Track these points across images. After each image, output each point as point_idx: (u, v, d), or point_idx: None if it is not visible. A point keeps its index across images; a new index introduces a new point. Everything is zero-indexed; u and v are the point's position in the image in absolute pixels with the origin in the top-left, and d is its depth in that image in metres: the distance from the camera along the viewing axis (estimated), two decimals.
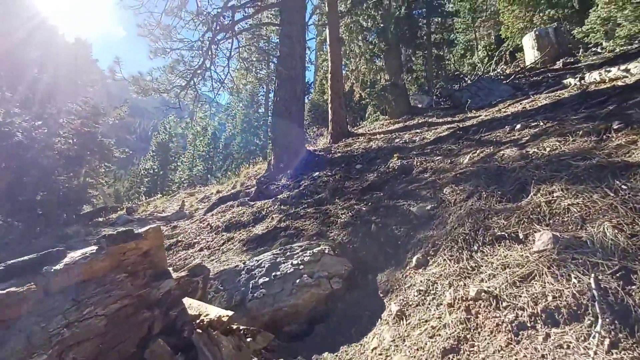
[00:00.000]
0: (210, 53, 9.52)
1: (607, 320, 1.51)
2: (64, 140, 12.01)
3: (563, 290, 1.72)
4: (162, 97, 10.53)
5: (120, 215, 10.17)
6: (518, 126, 4.88)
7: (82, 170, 13.10)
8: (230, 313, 2.49)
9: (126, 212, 11.36)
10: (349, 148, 8.39)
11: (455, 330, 1.96)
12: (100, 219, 11.38)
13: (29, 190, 8.71)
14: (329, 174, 6.63)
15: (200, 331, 2.23)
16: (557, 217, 2.28)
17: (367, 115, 15.84)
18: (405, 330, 2.30)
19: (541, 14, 14.32)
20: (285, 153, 8.19)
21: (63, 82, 11.50)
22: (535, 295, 1.79)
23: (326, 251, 3.77)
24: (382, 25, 11.88)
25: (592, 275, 1.71)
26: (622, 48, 9.13)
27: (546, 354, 1.53)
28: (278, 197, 6.32)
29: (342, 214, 4.73)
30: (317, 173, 6.85)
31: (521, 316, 1.75)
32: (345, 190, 5.57)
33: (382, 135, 8.58)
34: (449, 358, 1.86)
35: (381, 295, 3.06)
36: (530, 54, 13.01)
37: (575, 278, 1.75)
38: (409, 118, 10.53)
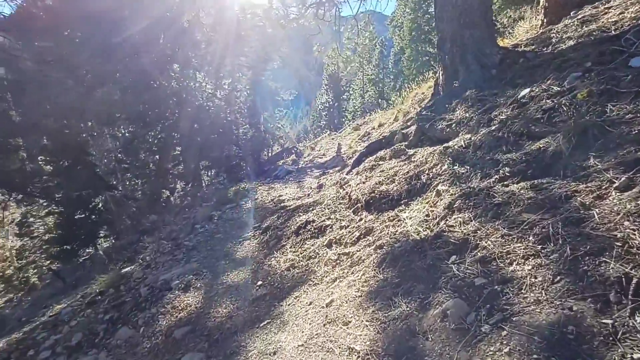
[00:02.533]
0: None
1: None
2: (242, 93, 13.10)
3: None
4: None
5: (281, 165, 10.28)
6: None
7: (261, 119, 14.33)
8: None
9: (295, 155, 11.60)
10: (592, 26, 4.20)
11: None
12: (280, 162, 12.19)
13: (217, 147, 9.84)
14: (557, 88, 3.17)
15: None
16: None
17: None
18: None
19: None
20: (462, 60, 5.06)
21: (232, 37, 11.98)
22: None
23: None
24: None
25: None
26: None
27: None
28: (449, 143, 3.81)
29: None
30: (525, 90, 3.56)
31: None
32: (619, 128, 2.12)
33: None
34: None
35: None
36: None
37: None
38: None
